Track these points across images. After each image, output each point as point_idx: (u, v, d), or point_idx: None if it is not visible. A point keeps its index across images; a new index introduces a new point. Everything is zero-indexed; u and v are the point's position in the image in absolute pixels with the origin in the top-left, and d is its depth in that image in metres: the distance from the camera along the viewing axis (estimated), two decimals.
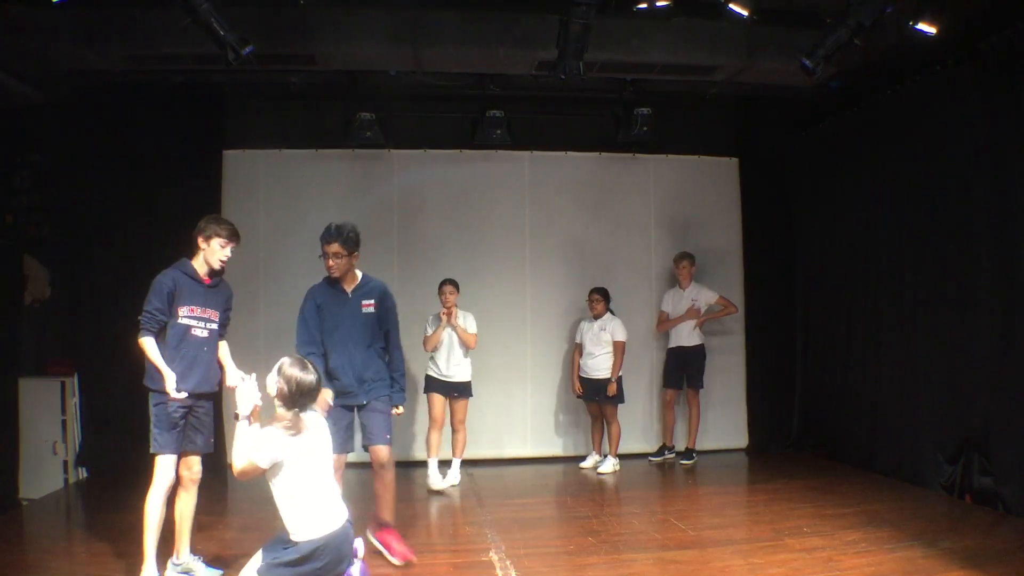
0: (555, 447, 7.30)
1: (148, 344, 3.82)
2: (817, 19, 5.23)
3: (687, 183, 7.63)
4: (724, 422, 7.46)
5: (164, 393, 3.81)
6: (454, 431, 6.35)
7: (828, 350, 7.18)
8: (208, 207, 6.72)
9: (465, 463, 7.00)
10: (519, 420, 7.22)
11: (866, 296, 6.57)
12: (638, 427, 7.31)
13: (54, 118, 6.59)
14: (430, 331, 6.24)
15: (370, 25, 5.67)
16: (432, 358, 6.28)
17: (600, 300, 6.75)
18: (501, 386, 7.24)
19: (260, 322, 6.79)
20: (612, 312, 6.80)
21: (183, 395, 3.87)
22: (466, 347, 6.26)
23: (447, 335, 6.22)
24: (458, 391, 6.28)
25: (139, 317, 3.85)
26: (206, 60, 5.53)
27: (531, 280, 7.13)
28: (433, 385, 6.27)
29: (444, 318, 6.17)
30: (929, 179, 5.77)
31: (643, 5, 5.19)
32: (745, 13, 5.10)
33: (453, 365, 6.23)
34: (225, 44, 4.82)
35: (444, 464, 6.28)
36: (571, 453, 7.19)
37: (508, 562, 4.19)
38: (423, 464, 6.30)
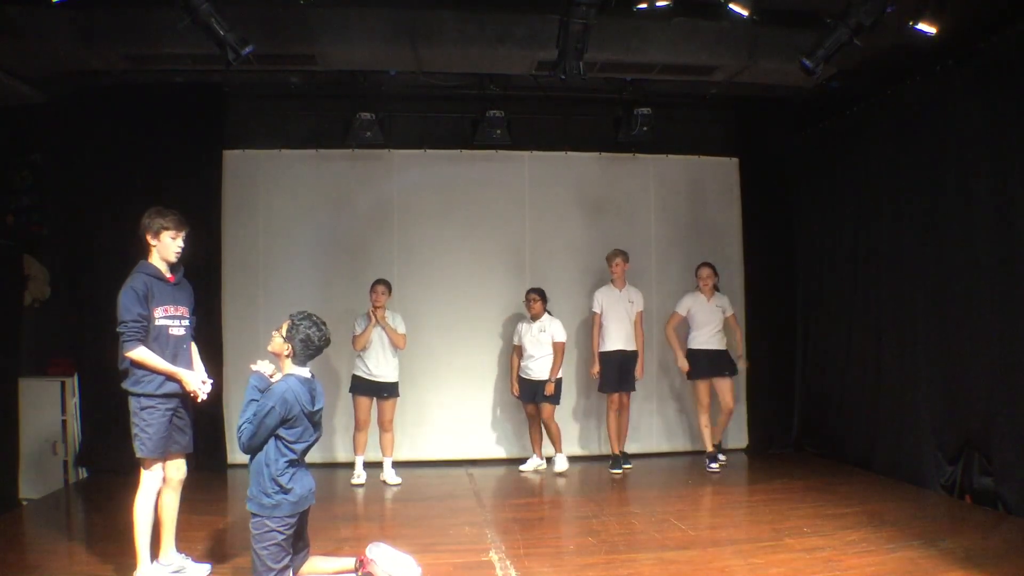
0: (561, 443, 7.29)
1: (145, 354, 3.77)
2: (817, 19, 5.23)
3: (687, 183, 7.63)
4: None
5: (152, 397, 3.79)
6: (383, 431, 6.37)
7: (828, 350, 7.18)
8: (208, 207, 6.77)
9: (465, 463, 7.04)
10: (520, 421, 7.20)
11: (866, 296, 6.57)
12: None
13: (54, 118, 6.59)
14: (359, 330, 6.27)
15: (370, 25, 5.67)
16: (360, 357, 6.29)
17: (538, 300, 6.63)
18: (500, 386, 7.23)
19: (260, 321, 6.78)
20: (550, 313, 6.70)
21: (209, 384, 3.95)
22: (395, 347, 6.30)
23: (377, 334, 6.25)
24: (387, 391, 6.31)
25: (119, 330, 3.75)
26: (206, 60, 5.53)
27: (531, 280, 7.11)
28: (360, 386, 6.28)
29: (373, 317, 6.20)
30: (929, 179, 5.77)
31: (643, 5, 5.17)
32: (745, 13, 5.09)
33: (383, 365, 6.26)
34: (225, 44, 4.81)
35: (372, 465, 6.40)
36: (574, 453, 7.17)
37: (508, 562, 4.19)
38: (348, 465, 6.46)
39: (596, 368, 6.77)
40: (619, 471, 6.67)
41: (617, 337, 6.73)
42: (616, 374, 6.73)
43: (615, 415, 6.77)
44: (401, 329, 6.33)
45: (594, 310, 6.85)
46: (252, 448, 3.58)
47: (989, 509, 5.09)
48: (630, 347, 6.76)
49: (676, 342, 6.82)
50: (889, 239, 6.26)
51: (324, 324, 3.74)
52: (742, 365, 6.95)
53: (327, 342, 3.75)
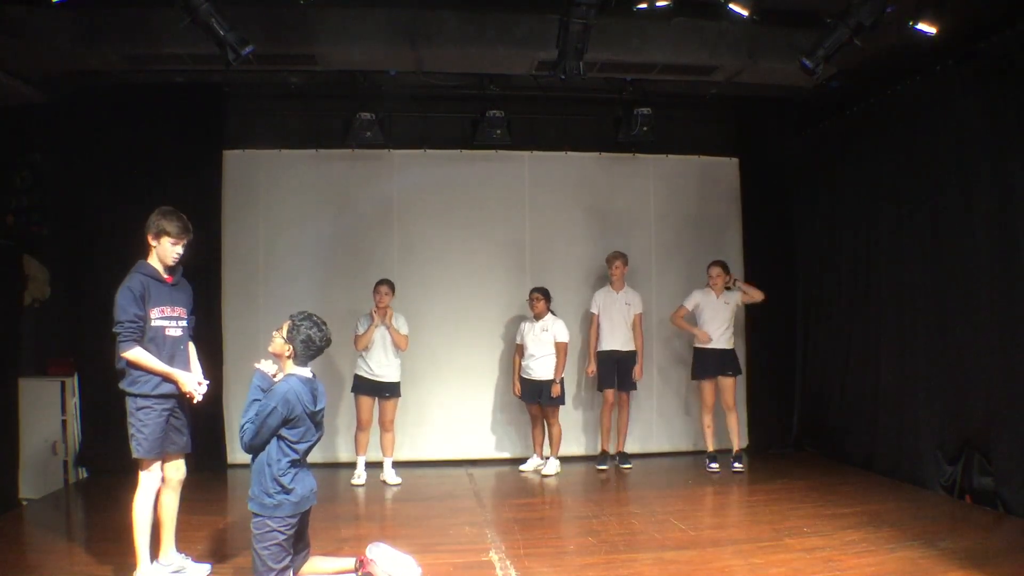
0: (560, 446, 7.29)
1: (140, 354, 3.76)
2: (817, 19, 5.23)
3: (687, 183, 7.62)
4: (722, 421, 7.44)
5: (148, 397, 3.78)
6: (384, 431, 6.38)
7: (828, 350, 7.18)
8: (208, 207, 6.77)
9: (466, 463, 7.04)
10: (520, 421, 7.20)
11: (866, 296, 6.57)
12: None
13: (54, 118, 6.58)
14: (361, 330, 6.28)
15: (370, 25, 5.67)
16: (363, 357, 6.29)
17: (541, 299, 6.60)
18: (500, 385, 7.24)
19: (260, 321, 6.78)
20: (553, 313, 6.69)
21: (204, 386, 3.94)
22: (397, 348, 6.31)
23: (380, 335, 6.26)
24: (389, 391, 6.32)
25: (115, 330, 3.75)
26: (206, 60, 5.53)
27: (531, 280, 7.11)
28: (362, 386, 6.29)
29: (377, 317, 6.21)
30: (929, 179, 5.77)
31: (643, 5, 5.17)
32: (745, 13, 5.09)
33: (385, 365, 6.27)
34: (225, 44, 4.81)
35: (373, 465, 6.41)
36: (575, 453, 7.17)
37: (508, 562, 4.19)
38: (350, 465, 6.47)
39: (591, 367, 6.81)
40: (604, 467, 6.77)
41: (612, 338, 6.77)
42: (612, 373, 6.77)
43: (608, 413, 6.83)
44: (404, 330, 6.33)
45: (592, 311, 6.90)
46: (254, 448, 3.58)
47: (989, 509, 5.09)
48: (625, 348, 6.78)
49: (686, 324, 6.80)
50: (889, 239, 6.26)
51: (325, 324, 3.73)
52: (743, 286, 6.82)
53: (328, 342, 3.74)
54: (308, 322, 3.67)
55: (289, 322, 3.68)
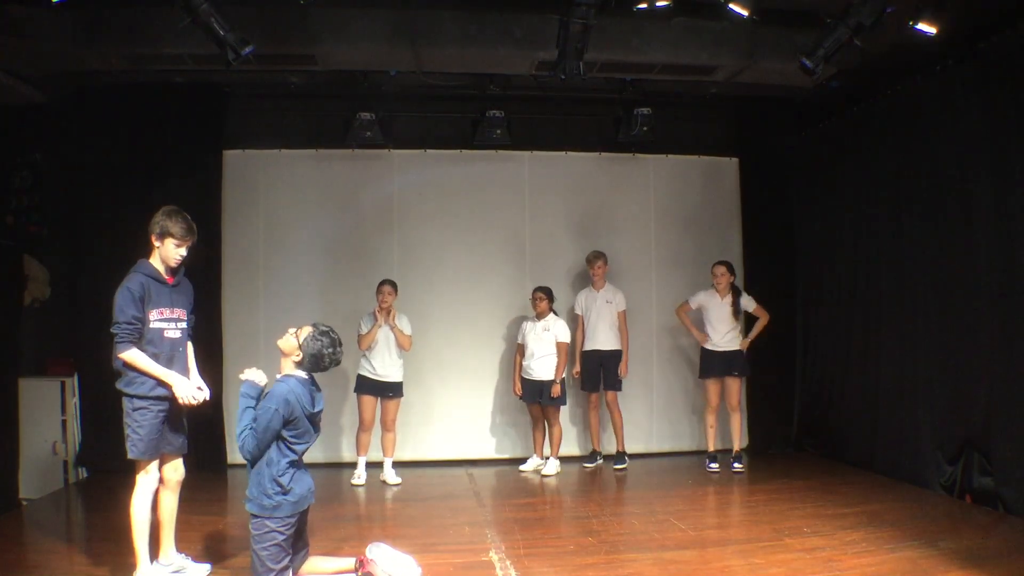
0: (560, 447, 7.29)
1: (137, 356, 3.73)
2: (817, 19, 5.23)
3: (687, 183, 7.62)
4: (724, 422, 7.45)
5: (145, 398, 3.76)
6: (385, 431, 6.39)
7: (828, 350, 7.17)
8: (208, 207, 6.77)
9: (466, 463, 7.04)
10: (520, 421, 7.20)
11: (866, 296, 6.56)
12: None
13: (54, 118, 6.58)
14: (365, 329, 6.27)
15: (370, 25, 5.68)
16: (366, 357, 6.29)
17: (543, 299, 6.60)
18: (501, 386, 7.24)
19: (260, 321, 6.80)
20: (555, 312, 6.69)
21: (205, 392, 3.91)
22: (401, 348, 6.31)
23: (383, 335, 6.26)
24: (392, 391, 6.33)
25: (112, 330, 3.72)
26: (206, 60, 5.54)
27: (531, 279, 7.11)
28: (365, 386, 6.29)
29: (380, 317, 6.21)
30: (929, 179, 5.77)
31: (643, 5, 5.18)
32: (745, 13, 5.10)
33: (388, 365, 6.28)
34: (225, 44, 4.82)
35: (374, 465, 6.42)
36: (573, 453, 7.18)
37: (508, 562, 4.19)
38: (352, 464, 6.46)
39: (577, 368, 6.85)
40: (589, 465, 6.86)
41: (594, 337, 6.79)
42: (596, 373, 6.79)
43: (595, 413, 6.91)
44: (408, 330, 6.33)
45: (576, 312, 6.93)
46: (257, 456, 3.55)
47: (989, 509, 5.09)
48: (608, 347, 6.78)
49: (688, 321, 6.79)
50: (889, 239, 6.26)
51: (340, 344, 3.74)
52: (743, 344, 6.78)
53: (336, 363, 3.75)
54: (327, 339, 3.66)
55: (312, 329, 3.66)
